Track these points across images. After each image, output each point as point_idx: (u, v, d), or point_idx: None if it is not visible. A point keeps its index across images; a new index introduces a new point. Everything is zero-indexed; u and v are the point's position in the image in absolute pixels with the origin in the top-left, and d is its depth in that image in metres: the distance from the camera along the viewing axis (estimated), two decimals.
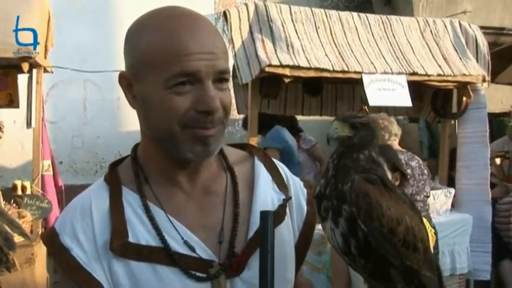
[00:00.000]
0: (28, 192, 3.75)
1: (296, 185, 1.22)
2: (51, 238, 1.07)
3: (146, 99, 1.04)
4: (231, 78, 4.54)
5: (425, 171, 3.73)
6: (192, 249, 1.04)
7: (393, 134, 3.77)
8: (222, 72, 1.03)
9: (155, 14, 1.06)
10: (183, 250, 1.04)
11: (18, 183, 3.80)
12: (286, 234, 1.14)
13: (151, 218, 1.04)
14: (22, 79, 4.02)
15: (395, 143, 3.79)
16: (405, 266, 1.00)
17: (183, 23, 1.02)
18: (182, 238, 1.04)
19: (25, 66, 3.66)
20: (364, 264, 1.01)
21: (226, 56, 1.05)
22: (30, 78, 3.83)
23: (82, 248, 1.03)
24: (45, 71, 3.98)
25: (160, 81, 1.00)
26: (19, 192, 3.75)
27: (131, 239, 1.03)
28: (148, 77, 1.02)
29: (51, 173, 4.05)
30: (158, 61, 1.00)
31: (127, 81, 1.07)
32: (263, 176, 1.17)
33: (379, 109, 4.99)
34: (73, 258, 1.03)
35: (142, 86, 1.04)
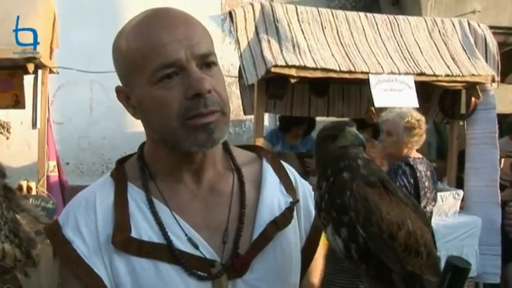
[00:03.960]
0: (33, 193, 3.76)
1: (305, 189, 1.21)
2: (53, 230, 1.07)
3: (141, 103, 1.04)
4: (237, 79, 4.57)
5: (435, 178, 3.57)
6: (195, 247, 1.03)
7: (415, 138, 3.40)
8: (205, 56, 1.02)
9: (131, 20, 1.06)
10: (185, 248, 1.03)
11: (24, 184, 3.83)
12: (292, 237, 1.13)
13: (155, 214, 1.04)
14: (28, 80, 4.03)
15: (414, 150, 3.46)
16: (406, 271, 0.97)
17: (155, 18, 1.03)
18: (186, 235, 1.03)
19: (30, 67, 3.68)
20: (365, 268, 0.99)
21: (207, 40, 1.04)
22: (35, 79, 3.85)
23: (84, 241, 1.03)
24: (51, 71, 4.00)
25: (147, 79, 1.00)
26: (24, 193, 3.76)
27: (134, 234, 1.02)
28: (136, 80, 1.02)
29: (57, 173, 4.07)
30: (139, 60, 1.00)
31: (124, 94, 1.07)
32: (271, 178, 1.16)
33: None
34: (74, 251, 1.02)
35: (135, 92, 1.04)
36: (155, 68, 0.99)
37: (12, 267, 1.73)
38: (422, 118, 3.49)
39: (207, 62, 1.02)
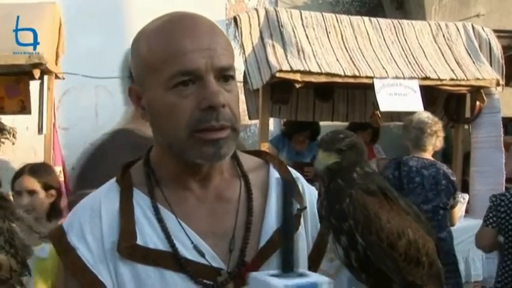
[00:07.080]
0: None
1: (311, 195, 1.20)
2: (58, 237, 1.06)
3: (152, 106, 1.03)
4: (241, 84, 4.54)
5: (444, 181, 3.61)
6: (201, 255, 1.02)
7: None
8: (224, 69, 1.01)
9: (155, 20, 1.06)
10: (191, 256, 1.02)
11: None
12: (299, 244, 1.11)
13: (160, 221, 1.03)
14: (34, 86, 4.05)
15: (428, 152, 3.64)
16: (407, 282, 0.96)
17: (180, 24, 1.02)
18: (192, 243, 1.02)
19: (36, 72, 3.70)
20: (365, 277, 0.98)
21: (228, 52, 1.03)
22: (41, 85, 3.87)
23: (89, 248, 1.02)
24: (57, 77, 4.02)
25: (162, 84, 0.99)
26: None
27: (139, 241, 1.01)
28: (151, 82, 1.02)
29: (62, 179, 4.07)
30: (158, 64, 1.00)
31: (136, 94, 1.07)
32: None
33: (390, 114, 4.95)
34: (79, 258, 1.01)
35: (147, 93, 1.03)
36: (173, 74, 0.98)
37: (8, 278, 1.71)
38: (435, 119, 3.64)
39: (225, 75, 1.01)
